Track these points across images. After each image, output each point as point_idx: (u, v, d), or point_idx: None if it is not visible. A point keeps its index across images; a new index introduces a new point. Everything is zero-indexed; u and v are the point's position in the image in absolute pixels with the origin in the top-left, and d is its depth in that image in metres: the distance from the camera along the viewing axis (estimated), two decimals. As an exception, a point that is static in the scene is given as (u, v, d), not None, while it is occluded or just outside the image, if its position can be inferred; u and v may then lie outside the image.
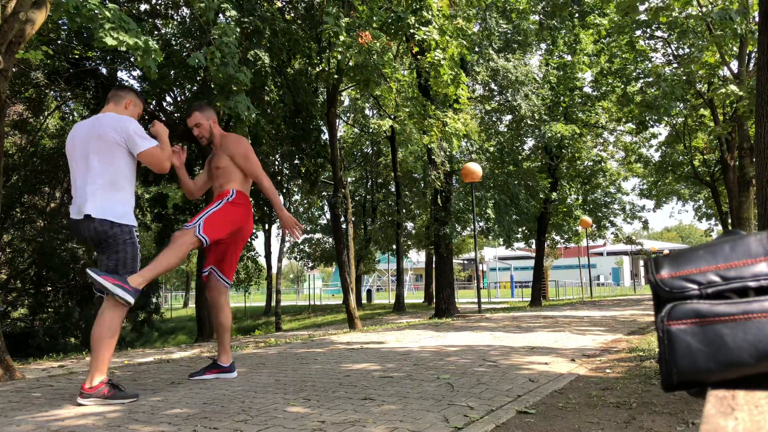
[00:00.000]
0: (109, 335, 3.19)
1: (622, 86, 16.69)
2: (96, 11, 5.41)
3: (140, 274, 3.30)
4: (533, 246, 21.67)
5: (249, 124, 8.08)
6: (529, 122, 15.85)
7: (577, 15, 16.53)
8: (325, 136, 14.25)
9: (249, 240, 18.86)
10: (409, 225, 25.97)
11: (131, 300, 3.22)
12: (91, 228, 3.26)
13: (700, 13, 11.96)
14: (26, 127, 13.65)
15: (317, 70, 12.46)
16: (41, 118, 14.08)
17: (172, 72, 12.03)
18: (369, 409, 2.87)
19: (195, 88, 12.87)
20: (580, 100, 18.77)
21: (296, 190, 23.55)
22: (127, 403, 3.12)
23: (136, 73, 14.41)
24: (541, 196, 19.03)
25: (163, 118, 13.70)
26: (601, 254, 51.79)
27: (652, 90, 14.90)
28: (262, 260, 26.01)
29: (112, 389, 3.19)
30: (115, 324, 3.22)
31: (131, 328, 15.56)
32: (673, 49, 16.87)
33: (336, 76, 10.94)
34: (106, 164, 3.30)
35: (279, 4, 11.84)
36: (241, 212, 3.88)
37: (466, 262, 55.10)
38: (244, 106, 7.78)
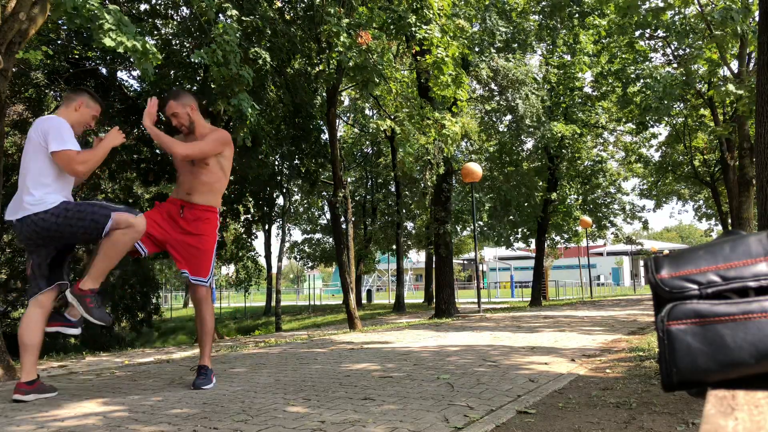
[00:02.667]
0: (107, 247, 3.25)
1: (622, 86, 16.69)
2: (95, 12, 5.41)
3: (206, 355, 3.73)
4: (533, 246, 21.67)
5: (251, 122, 8.07)
6: (528, 123, 15.85)
7: (576, 15, 16.53)
8: (325, 136, 14.25)
9: (249, 240, 18.87)
10: (409, 225, 25.98)
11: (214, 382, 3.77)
12: (29, 226, 3.26)
13: (701, 12, 11.95)
14: (26, 127, 13.64)
15: (317, 70, 12.47)
16: (41, 118, 14.08)
17: (172, 72, 12.03)
18: (369, 409, 2.87)
19: (195, 88, 12.87)
20: (580, 100, 18.77)
21: (296, 190, 23.57)
22: (101, 323, 3.25)
23: (136, 73, 14.42)
24: (538, 197, 19.03)
25: (163, 118, 13.69)
26: (601, 254, 51.77)
27: (650, 92, 14.90)
28: (262, 260, 26.02)
29: (95, 301, 3.26)
30: (120, 240, 3.26)
31: (131, 328, 15.56)
32: (673, 49, 16.87)
33: (336, 76, 10.94)
34: (29, 166, 3.33)
35: (279, 4, 11.84)
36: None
37: (466, 262, 55.08)
38: (248, 104, 7.79)
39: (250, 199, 16.94)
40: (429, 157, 11.67)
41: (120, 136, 3.55)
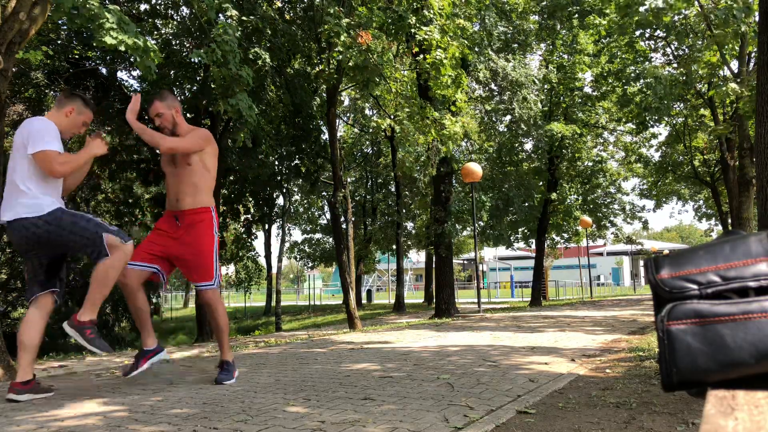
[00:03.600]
0: (100, 277, 3.22)
1: (622, 87, 16.69)
2: (96, 11, 5.41)
3: (226, 351, 3.85)
4: (533, 246, 21.67)
5: (252, 123, 8.07)
6: (523, 127, 15.87)
7: (576, 15, 16.52)
8: (325, 136, 14.25)
9: (249, 240, 18.81)
10: (409, 225, 25.97)
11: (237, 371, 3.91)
12: (23, 231, 3.19)
13: (702, 12, 11.94)
14: (26, 127, 13.63)
15: (317, 69, 12.48)
16: (41, 118, 14.06)
17: (172, 72, 12.03)
18: (369, 409, 2.87)
19: (195, 88, 12.87)
20: (580, 100, 18.76)
21: (296, 190, 23.57)
22: (105, 355, 3.23)
23: (136, 73, 14.42)
24: (537, 197, 19.04)
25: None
26: (601, 254, 51.76)
27: (650, 92, 14.90)
28: (262, 260, 26.04)
29: (94, 333, 3.23)
30: (111, 269, 3.23)
31: (130, 328, 15.55)
32: (673, 49, 16.87)
33: (336, 76, 10.94)
34: (17, 167, 3.26)
35: (278, 4, 11.84)
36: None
37: (466, 262, 55.07)
38: (246, 104, 7.78)
39: (250, 199, 16.94)
40: (423, 159, 11.70)
41: (103, 146, 3.50)
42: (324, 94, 13.59)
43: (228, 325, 3.91)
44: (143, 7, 12.52)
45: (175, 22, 12.65)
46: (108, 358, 6.21)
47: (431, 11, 9.37)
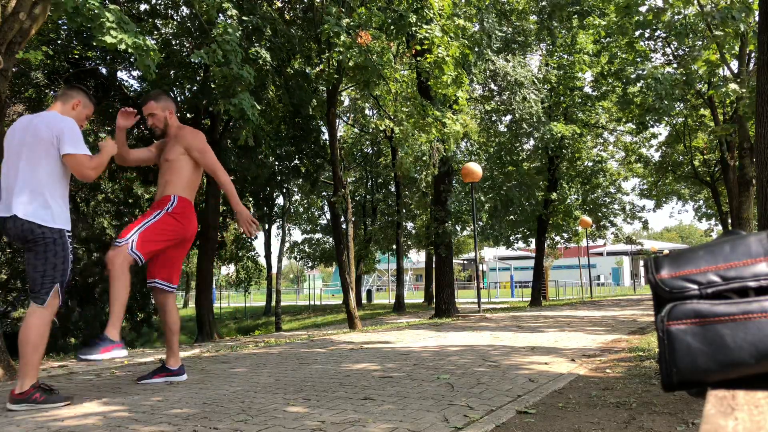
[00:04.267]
0: (35, 338, 3.10)
1: (622, 86, 16.68)
2: (96, 11, 5.42)
3: (112, 324, 3.37)
4: (533, 246, 21.68)
5: (254, 122, 8.06)
6: (525, 126, 15.86)
7: (576, 15, 16.50)
8: (325, 136, 14.25)
9: (249, 240, 18.76)
10: (409, 225, 25.97)
11: (125, 352, 3.44)
12: (18, 227, 3.14)
13: (701, 11, 11.94)
14: (26, 127, 13.61)
15: (317, 70, 12.47)
16: (41, 118, 14.05)
17: (172, 72, 12.03)
18: (369, 409, 2.87)
19: (195, 88, 12.87)
20: (580, 100, 18.76)
21: (296, 190, 23.57)
22: (61, 407, 3.06)
23: (136, 73, 14.42)
24: (539, 194, 19.03)
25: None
26: (601, 254, 51.74)
27: (650, 92, 14.89)
28: (262, 260, 26.04)
29: (44, 394, 3.09)
30: (42, 327, 3.13)
31: (130, 328, 15.55)
32: (673, 49, 16.86)
33: (336, 76, 10.94)
34: (36, 163, 3.19)
35: (278, 4, 11.84)
36: (180, 224, 3.73)
37: (466, 262, 55.06)
38: (249, 103, 7.77)
39: (250, 199, 16.94)
40: (425, 158, 11.68)
41: (114, 146, 3.56)
42: (324, 95, 13.59)
43: (123, 299, 3.47)
44: (143, 7, 12.51)
45: (175, 22, 12.65)
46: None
47: (431, 11, 9.36)
